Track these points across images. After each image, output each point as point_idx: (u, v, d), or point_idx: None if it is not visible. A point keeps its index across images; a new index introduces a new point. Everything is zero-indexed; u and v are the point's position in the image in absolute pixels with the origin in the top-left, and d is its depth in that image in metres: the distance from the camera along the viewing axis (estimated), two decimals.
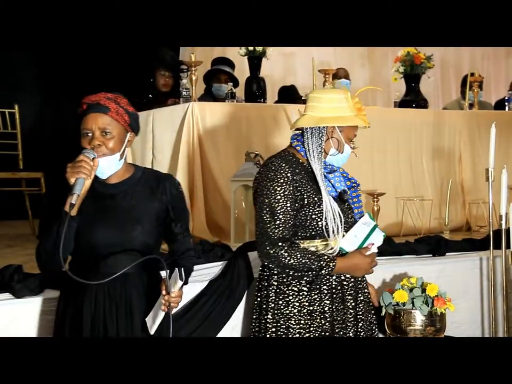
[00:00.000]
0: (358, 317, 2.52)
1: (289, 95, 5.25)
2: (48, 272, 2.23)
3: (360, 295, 2.53)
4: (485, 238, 3.77)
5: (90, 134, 2.16)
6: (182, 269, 2.06)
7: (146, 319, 2.16)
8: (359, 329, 2.51)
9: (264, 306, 2.48)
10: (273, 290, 2.47)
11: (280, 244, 2.37)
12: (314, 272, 2.40)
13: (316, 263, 2.39)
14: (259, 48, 4.53)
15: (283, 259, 2.37)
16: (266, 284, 2.50)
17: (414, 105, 5.03)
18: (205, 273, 3.07)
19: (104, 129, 2.16)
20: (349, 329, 2.49)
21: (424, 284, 3.16)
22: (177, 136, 4.03)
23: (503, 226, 3.38)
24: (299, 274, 2.41)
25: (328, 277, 2.45)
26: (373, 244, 2.51)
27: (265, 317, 2.47)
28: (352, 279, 2.51)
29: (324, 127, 2.46)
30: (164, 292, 2.09)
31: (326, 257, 2.41)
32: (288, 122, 4.24)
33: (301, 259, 2.37)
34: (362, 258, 2.47)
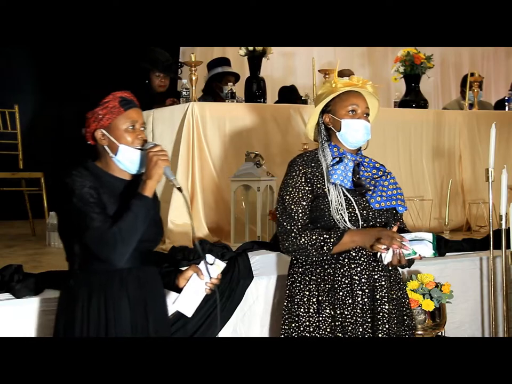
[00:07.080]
0: (378, 316, 2.47)
1: (289, 95, 5.24)
2: (115, 266, 2.09)
3: (376, 293, 2.48)
4: (485, 238, 3.77)
5: (132, 127, 2.20)
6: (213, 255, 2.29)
7: (174, 304, 2.25)
8: (379, 328, 2.46)
9: (286, 295, 2.59)
10: (291, 280, 2.57)
11: (291, 229, 2.45)
12: (326, 240, 2.42)
13: (329, 233, 2.43)
14: (259, 48, 4.51)
15: (295, 240, 2.45)
16: (288, 273, 2.60)
17: (414, 105, 5.02)
18: None
19: (143, 124, 2.24)
20: (358, 325, 2.44)
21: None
22: (177, 136, 4.02)
23: (503, 226, 3.39)
24: (314, 252, 2.44)
25: (340, 272, 2.47)
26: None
27: (285, 304, 2.58)
28: (365, 275, 2.48)
29: (320, 120, 2.61)
30: (202, 277, 2.23)
31: (337, 228, 2.46)
32: (288, 123, 4.24)
33: (311, 236, 2.43)
34: (377, 230, 2.45)
